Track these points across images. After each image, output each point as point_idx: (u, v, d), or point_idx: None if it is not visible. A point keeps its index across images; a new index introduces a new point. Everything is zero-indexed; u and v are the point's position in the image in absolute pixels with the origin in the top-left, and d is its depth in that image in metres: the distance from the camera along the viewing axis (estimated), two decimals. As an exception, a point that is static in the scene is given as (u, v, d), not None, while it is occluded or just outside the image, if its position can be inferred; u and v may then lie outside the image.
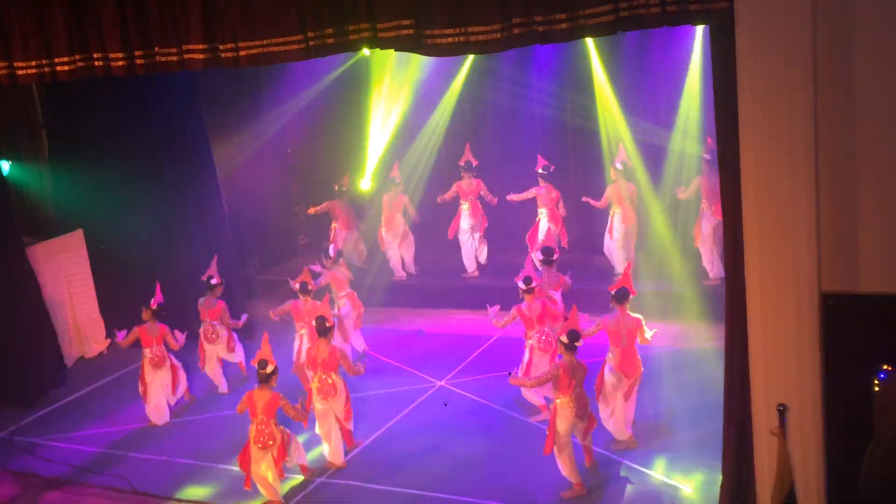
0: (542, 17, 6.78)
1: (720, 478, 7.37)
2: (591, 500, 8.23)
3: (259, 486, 8.64)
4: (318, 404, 9.15)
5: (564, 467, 8.25)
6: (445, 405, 10.21)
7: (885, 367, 6.06)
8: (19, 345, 11.56)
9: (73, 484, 9.50)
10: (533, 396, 9.84)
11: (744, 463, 7.03)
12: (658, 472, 8.49)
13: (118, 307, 13.42)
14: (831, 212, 6.21)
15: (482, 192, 13.53)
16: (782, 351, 6.38)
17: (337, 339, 10.28)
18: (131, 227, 13.07)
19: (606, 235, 12.71)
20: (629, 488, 8.34)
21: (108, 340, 13.22)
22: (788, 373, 6.38)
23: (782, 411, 6.40)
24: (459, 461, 9.10)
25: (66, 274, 12.73)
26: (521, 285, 9.72)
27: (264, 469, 8.57)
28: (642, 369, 9.01)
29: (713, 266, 12.11)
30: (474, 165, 13.46)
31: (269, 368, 8.58)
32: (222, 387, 11.33)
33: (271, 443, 8.54)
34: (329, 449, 9.23)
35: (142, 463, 9.78)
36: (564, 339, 8.23)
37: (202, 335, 11.19)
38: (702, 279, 12.25)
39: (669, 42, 12.41)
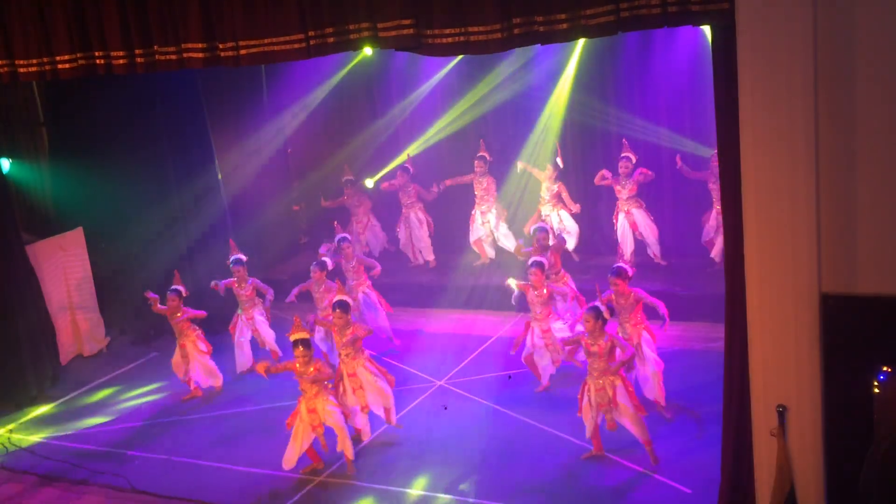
0: (543, 17, 6.78)
1: (719, 478, 7.38)
2: (590, 500, 8.24)
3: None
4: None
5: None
6: (445, 409, 10.19)
7: (884, 368, 6.05)
8: (18, 342, 11.56)
9: (71, 482, 9.50)
10: (545, 363, 10.15)
11: (743, 464, 7.02)
12: (657, 473, 8.47)
13: (117, 305, 13.47)
14: (831, 212, 6.20)
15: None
16: (782, 352, 6.38)
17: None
18: (131, 225, 13.09)
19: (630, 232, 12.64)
20: (628, 489, 8.32)
21: (108, 339, 13.24)
22: (788, 374, 6.38)
23: (782, 412, 6.40)
24: (458, 461, 9.09)
25: (65, 272, 12.73)
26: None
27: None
28: None
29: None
30: (488, 160, 13.47)
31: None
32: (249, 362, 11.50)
33: None
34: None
35: (141, 461, 9.78)
36: (606, 315, 8.42)
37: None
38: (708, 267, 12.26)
39: (672, 41, 12.41)
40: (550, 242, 10.88)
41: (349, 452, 9.01)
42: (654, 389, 9.31)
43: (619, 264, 9.50)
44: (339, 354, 9.53)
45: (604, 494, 8.28)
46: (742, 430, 6.95)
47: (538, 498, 8.32)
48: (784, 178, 6.16)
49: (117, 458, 9.91)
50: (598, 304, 8.56)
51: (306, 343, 8.91)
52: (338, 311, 9.44)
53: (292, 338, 8.91)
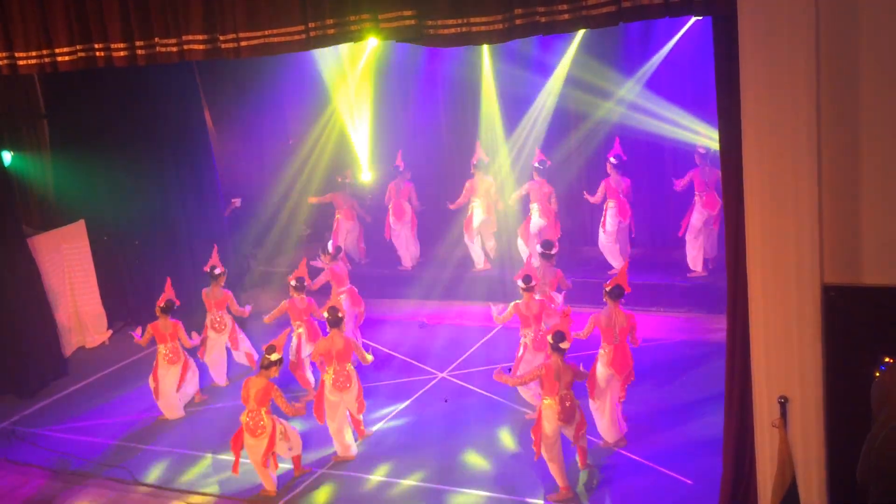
0: (545, 7, 6.78)
1: (721, 469, 7.38)
2: (593, 490, 8.24)
3: (258, 473, 8.68)
4: (331, 397, 9.05)
5: (552, 469, 8.14)
6: (446, 401, 10.20)
7: (886, 359, 6.05)
8: (21, 335, 11.57)
9: (74, 474, 9.52)
10: (530, 396, 9.68)
11: (745, 455, 7.04)
12: (659, 464, 8.48)
13: (120, 297, 13.47)
14: (833, 204, 6.19)
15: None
16: (784, 343, 6.37)
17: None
18: (133, 217, 13.09)
19: (601, 229, 12.64)
20: (630, 480, 8.33)
21: (110, 331, 13.25)
22: (790, 365, 6.37)
23: (783, 403, 6.40)
24: (460, 453, 9.11)
25: (67, 264, 12.75)
26: (521, 283, 9.59)
27: (257, 457, 8.58)
28: (632, 366, 8.93)
29: (697, 259, 12.11)
30: (486, 162, 13.40)
31: (274, 356, 8.56)
32: (220, 380, 11.27)
33: (260, 432, 8.51)
34: (340, 445, 9.17)
35: (143, 453, 9.80)
36: (550, 339, 8.07)
37: (209, 325, 11.09)
38: (686, 272, 12.23)
39: (670, 32, 12.36)
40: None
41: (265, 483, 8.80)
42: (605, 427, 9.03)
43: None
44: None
45: (606, 485, 8.29)
46: (744, 421, 6.96)
47: (540, 488, 8.32)
48: (786, 170, 6.14)
49: (120, 450, 9.92)
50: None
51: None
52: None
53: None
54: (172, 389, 10.45)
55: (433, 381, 10.75)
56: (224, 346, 11.22)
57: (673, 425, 9.11)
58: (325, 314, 9.24)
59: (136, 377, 11.80)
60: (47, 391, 11.64)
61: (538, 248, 10.76)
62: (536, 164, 12.81)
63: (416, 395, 10.39)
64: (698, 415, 9.17)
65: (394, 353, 11.60)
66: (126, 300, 13.53)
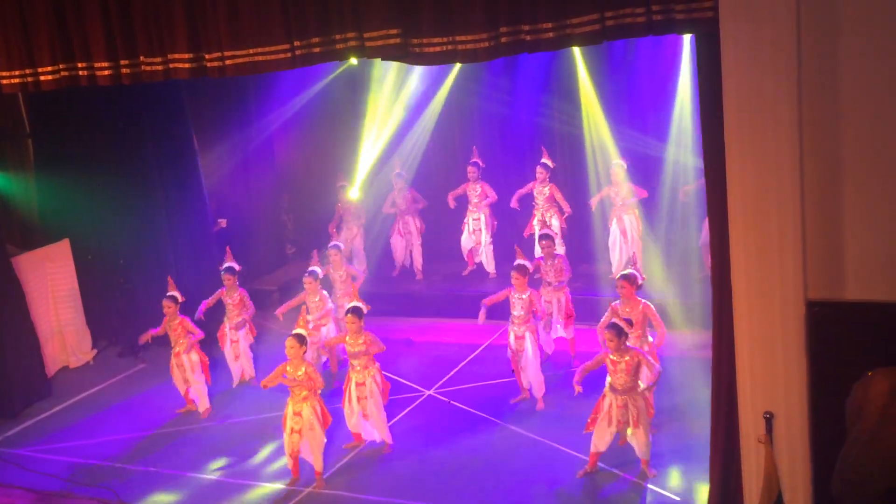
0: (529, 26, 6.83)
1: (707, 486, 7.38)
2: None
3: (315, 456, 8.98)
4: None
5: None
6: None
7: (869, 374, 6.06)
8: (4, 356, 11.46)
9: (59, 495, 9.42)
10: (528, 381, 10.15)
11: (731, 471, 7.04)
12: (645, 481, 8.47)
13: (104, 317, 13.39)
14: (817, 220, 6.23)
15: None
16: (769, 359, 6.40)
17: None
18: (118, 237, 13.03)
19: (632, 234, 12.56)
20: (617, 497, 8.32)
21: (95, 351, 13.16)
22: (775, 381, 6.40)
23: (769, 419, 6.42)
24: (447, 471, 9.07)
25: (52, 284, 12.66)
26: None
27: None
28: None
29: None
30: (481, 167, 13.47)
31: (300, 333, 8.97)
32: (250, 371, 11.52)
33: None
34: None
35: (127, 474, 9.72)
36: (627, 330, 8.40)
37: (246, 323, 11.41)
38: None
39: (659, 49, 12.44)
40: (559, 250, 10.93)
41: (318, 466, 8.97)
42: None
43: (630, 270, 9.36)
44: (350, 362, 9.45)
45: (592, 502, 8.27)
46: (730, 437, 6.97)
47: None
48: (770, 186, 6.19)
49: (105, 470, 9.84)
50: (615, 321, 8.47)
51: (299, 338, 8.86)
52: (350, 316, 9.35)
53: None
54: (201, 378, 10.82)
55: (420, 399, 10.72)
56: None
57: (659, 441, 9.09)
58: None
59: (121, 397, 11.75)
60: (31, 411, 11.53)
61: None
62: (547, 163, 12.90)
63: (403, 413, 10.36)
64: (684, 430, 9.17)
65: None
66: (111, 320, 13.45)
